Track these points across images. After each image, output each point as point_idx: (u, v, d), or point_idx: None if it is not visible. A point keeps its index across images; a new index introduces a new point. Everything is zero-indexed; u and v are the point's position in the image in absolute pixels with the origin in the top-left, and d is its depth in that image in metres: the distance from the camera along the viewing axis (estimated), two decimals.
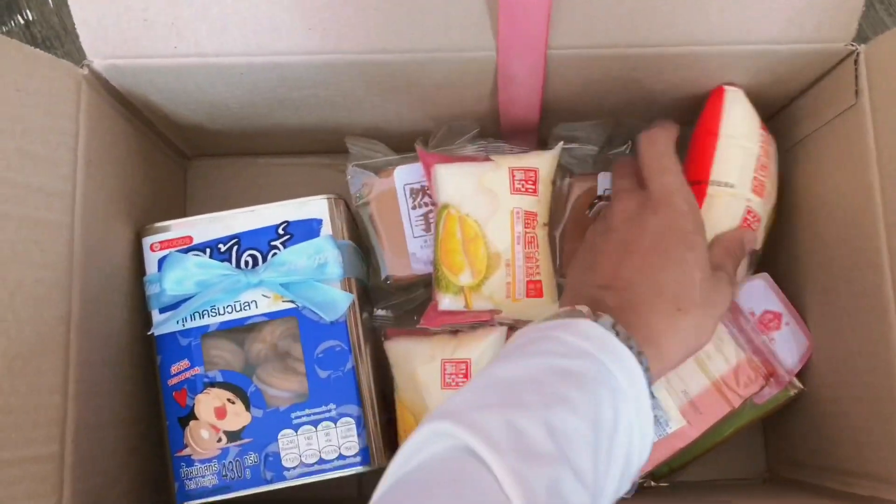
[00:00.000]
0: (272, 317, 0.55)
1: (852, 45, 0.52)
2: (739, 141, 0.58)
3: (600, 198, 0.61)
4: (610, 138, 0.63)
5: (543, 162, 0.58)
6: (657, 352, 0.43)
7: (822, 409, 0.59)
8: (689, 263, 0.47)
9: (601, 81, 0.57)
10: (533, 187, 0.57)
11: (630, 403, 0.39)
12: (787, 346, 0.60)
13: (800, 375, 0.61)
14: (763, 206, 0.62)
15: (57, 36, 0.77)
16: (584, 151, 0.63)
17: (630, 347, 0.41)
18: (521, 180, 0.57)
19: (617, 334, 0.41)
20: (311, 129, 0.65)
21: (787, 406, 0.62)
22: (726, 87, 0.59)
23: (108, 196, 0.54)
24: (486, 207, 0.56)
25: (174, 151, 0.69)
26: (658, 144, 0.52)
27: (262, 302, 0.56)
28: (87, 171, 0.50)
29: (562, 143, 0.59)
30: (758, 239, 0.58)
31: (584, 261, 0.51)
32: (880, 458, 0.51)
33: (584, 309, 0.44)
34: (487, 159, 0.58)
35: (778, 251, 0.64)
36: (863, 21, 0.52)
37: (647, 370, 0.41)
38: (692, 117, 0.62)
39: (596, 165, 0.63)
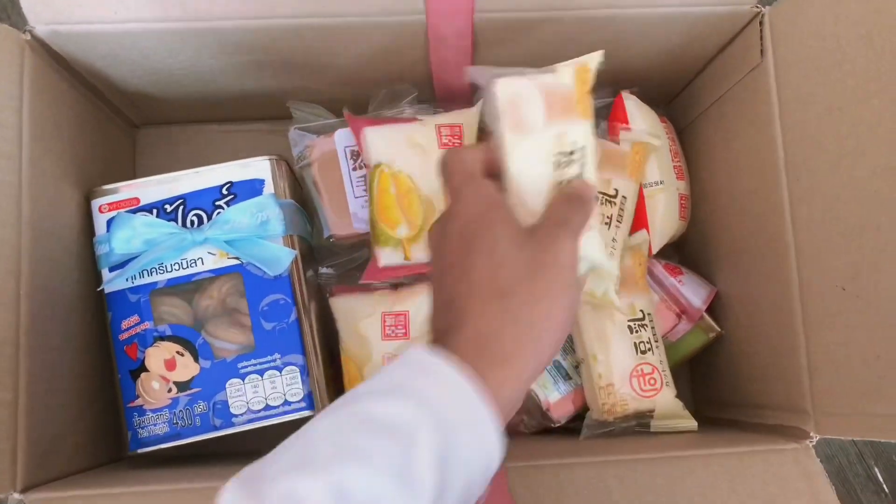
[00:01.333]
0: (218, 273, 0.58)
1: (757, 6, 0.56)
2: (652, 140, 0.64)
3: None
4: None
5: (467, 118, 0.61)
6: (494, 359, 0.34)
7: (737, 350, 0.63)
8: (495, 239, 0.38)
9: (528, 45, 0.60)
10: (459, 141, 0.61)
11: (464, 433, 0.33)
12: (694, 288, 0.65)
13: (718, 321, 0.65)
14: (687, 187, 0.68)
15: (3, 8, 0.78)
16: None
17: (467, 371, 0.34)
18: (448, 135, 0.60)
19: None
20: (254, 96, 0.67)
21: (709, 349, 0.66)
22: (623, 94, 0.65)
23: (55, 159, 0.56)
24: (418, 161, 0.60)
25: (122, 120, 0.71)
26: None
27: (208, 259, 0.58)
28: (33, 134, 0.52)
29: (483, 99, 0.62)
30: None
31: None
32: (783, 389, 0.55)
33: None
34: (414, 120, 0.61)
35: (697, 204, 0.68)
36: None
37: (484, 386, 0.33)
38: (618, 83, 0.66)
39: None
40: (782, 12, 0.54)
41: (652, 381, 0.60)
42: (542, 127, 0.44)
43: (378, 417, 0.32)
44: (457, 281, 0.37)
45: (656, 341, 0.61)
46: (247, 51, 0.58)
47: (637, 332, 0.60)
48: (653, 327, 0.61)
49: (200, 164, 0.60)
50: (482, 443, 0.33)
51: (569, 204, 0.40)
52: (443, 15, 0.55)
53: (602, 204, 0.61)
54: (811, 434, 0.50)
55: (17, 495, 0.47)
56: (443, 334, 0.36)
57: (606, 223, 0.61)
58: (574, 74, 0.47)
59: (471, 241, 0.38)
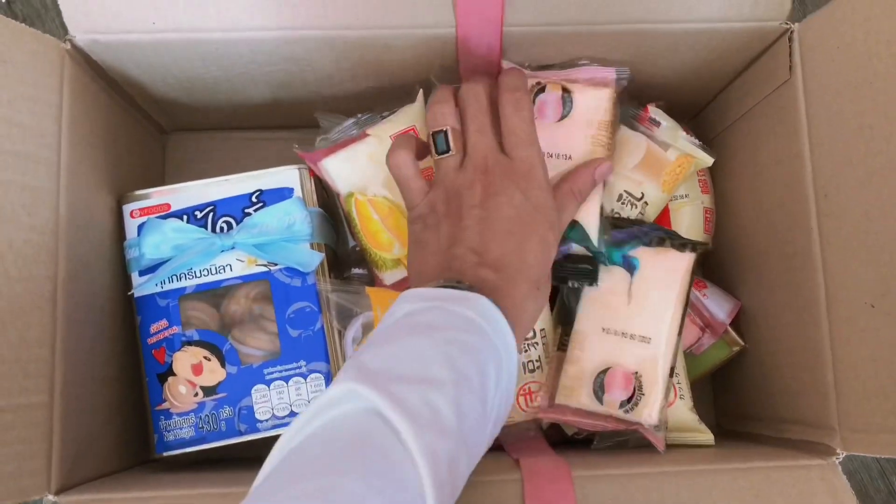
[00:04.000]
0: (246, 279, 0.59)
1: (787, 23, 0.56)
2: (698, 154, 0.63)
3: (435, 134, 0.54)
4: None
5: (416, 117, 0.61)
6: (519, 328, 0.46)
7: (760, 364, 0.63)
8: (549, 244, 0.49)
9: (556, 59, 0.60)
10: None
11: (506, 376, 0.43)
12: (718, 302, 0.65)
13: (741, 334, 0.65)
14: (711, 201, 0.68)
15: (38, 14, 0.80)
16: None
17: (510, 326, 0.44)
18: None
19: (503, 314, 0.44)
20: (283, 105, 0.68)
21: (732, 363, 0.66)
22: (650, 107, 0.64)
23: (90, 166, 0.57)
24: (388, 180, 0.58)
25: (153, 126, 0.72)
26: (525, 108, 0.52)
27: (237, 265, 0.59)
28: (71, 141, 0.53)
29: (421, 90, 0.62)
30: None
31: (441, 229, 0.50)
32: (808, 404, 0.55)
33: (466, 286, 0.45)
34: (365, 135, 0.61)
35: (721, 218, 0.68)
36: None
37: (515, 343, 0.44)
38: (645, 96, 0.66)
39: None
40: (812, 28, 0.54)
41: None
42: None
43: (472, 350, 0.41)
44: (513, 259, 0.48)
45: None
46: (280, 61, 0.59)
47: None
48: None
49: (228, 172, 0.61)
50: (512, 376, 0.45)
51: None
52: (473, 27, 0.55)
53: (623, 203, 0.61)
54: (837, 451, 0.50)
55: (51, 497, 0.48)
56: (482, 285, 0.46)
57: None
58: None
59: (536, 230, 0.49)
